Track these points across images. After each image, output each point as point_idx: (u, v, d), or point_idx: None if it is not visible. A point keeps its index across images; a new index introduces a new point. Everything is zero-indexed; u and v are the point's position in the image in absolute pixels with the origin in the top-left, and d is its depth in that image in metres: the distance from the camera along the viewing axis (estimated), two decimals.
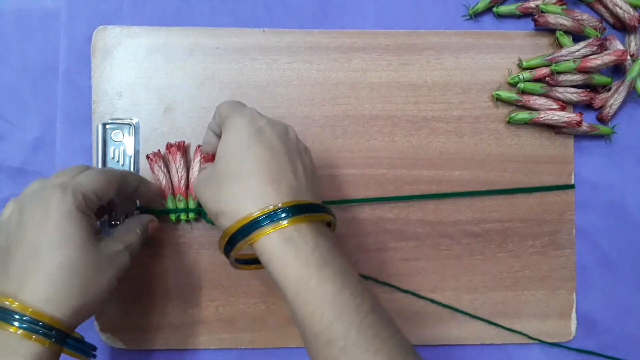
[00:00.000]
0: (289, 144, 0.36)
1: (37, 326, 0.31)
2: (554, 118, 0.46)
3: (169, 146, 0.45)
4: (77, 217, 0.34)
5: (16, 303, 0.32)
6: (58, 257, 0.33)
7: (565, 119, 0.46)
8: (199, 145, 0.45)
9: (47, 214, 0.33)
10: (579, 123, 0.46)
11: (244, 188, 0.34)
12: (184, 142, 0.45)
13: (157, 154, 0.45)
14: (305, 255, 0.32)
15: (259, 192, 0.34)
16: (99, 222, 0.37)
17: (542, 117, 0.47)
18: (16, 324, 0.31)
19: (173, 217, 0.45)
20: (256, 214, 0.33)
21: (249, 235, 0.33)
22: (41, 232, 0.33)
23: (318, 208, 0.35)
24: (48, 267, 0.32)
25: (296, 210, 0.33)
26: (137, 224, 0.41)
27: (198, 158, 0.45)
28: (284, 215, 0.33)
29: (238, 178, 0.34)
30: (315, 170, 0.38)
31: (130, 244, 0.39)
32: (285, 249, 0.32)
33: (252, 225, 0.33)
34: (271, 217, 0.33)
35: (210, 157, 0.44)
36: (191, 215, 0.45)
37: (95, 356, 0.36)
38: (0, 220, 0.36)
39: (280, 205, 0.33)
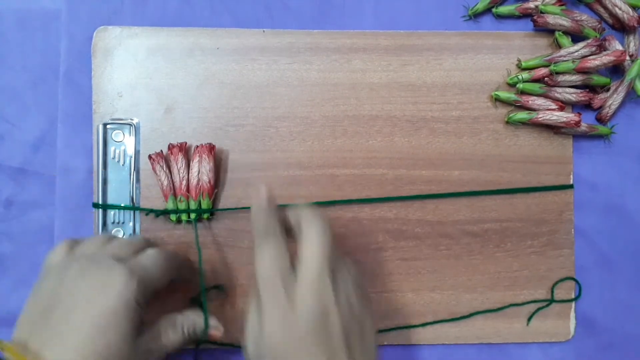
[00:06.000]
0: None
1: None
2: (552, 118, 0.47)
3: (170, 147, 0.45)
4: (132, 308, 0.33)
5: None
6: (98, 343, 0.31)
7: (564, 119, 0.46)
8: (197, 146, 0.45)
9: (105, 294, 0.32)
10: (577, 123, 0.46)
11: None
12: (185, 143, 0.46)
13: (159, 154, 0.45)
14: None
15: None
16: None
17: (540, 118, 0.47)
18: None
19: (174, 217, 0.45)
20: None
21: None
22: (92, 309, 0.32)
23: None
24: (85, 349, 0.31)
25: None
26: (189, 325, 0.39)
27: (197, 158, 0.45)
28: None
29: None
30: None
31: (170, 345, 0.37)
32: None
33: None
34: None
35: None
36: (192, 215, 0.45)
37: None
38: (54, 263, 0.36)
39: None
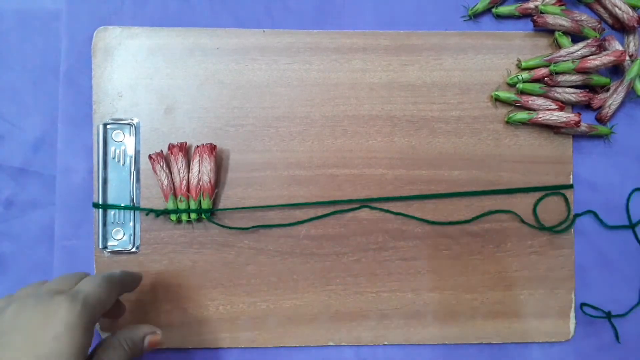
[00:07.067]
0: None
1: None
2: (552, 118, 0.47)
3: (171, 147, 0.45)
4: (79, 332, 0.31)
5: None
6: None
7: (564, 119, 0.46)
8: (198, 146, 0.45)
9: (48, 321, 0.31)
10: (577, 123, 0.46)
11: None
12: (185, 143, 0.46)
13: (160, 154, 0.45)
14: None
15: None
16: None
17: (540, 118, 0.47)
18: None
19: (174, 217, 0.45)
20: None
21: None
22: (35, 339, 0.30)
23: None
24: None
25: None
26: (126, 339, 0.37)
27: (197, 158, 0.45)
28: None
29: None
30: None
31: None
32: None
33: None
34: None
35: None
36: (192, 215, 0.46)
37: None
38: None
39: None
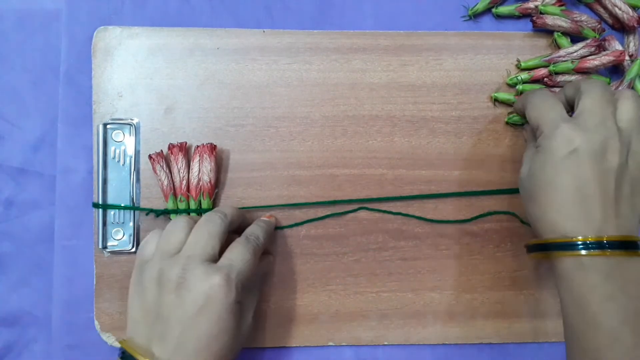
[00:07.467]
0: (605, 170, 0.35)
1: None
2: None
3: (170, 147, 0.45)
4: (235, 309, 0.37)
5: None
6: (214, 345, 0.36)
7: None
8: (198, 146, 0.45)
9: (209, 305, 0.35)
10: None
11: (561, 205, 0.36)
12: (185, 142, 0.46)
13: (160, 154, 0.45)
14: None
15: (577, 216, 0.35)
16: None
17: None
18: None
19: (174, 217, 0.45)
20: (575, 237, 0.35)
21: (559, 250, 0.36)
22: (201, 318, 0.35)
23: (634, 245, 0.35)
24: (202, 353, 0.35)
25: (615, 245, 0.34)
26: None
27: (197, 158, 0.45)
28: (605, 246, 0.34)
29: (554, 194, 0.36)
30: None
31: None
32: (587, 276, 0.35)
33: (568, 246, 0.35)
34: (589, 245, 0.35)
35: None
36: (192, 215, 0.45)
37: None
38: (147, 259, 0.39)
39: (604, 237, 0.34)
